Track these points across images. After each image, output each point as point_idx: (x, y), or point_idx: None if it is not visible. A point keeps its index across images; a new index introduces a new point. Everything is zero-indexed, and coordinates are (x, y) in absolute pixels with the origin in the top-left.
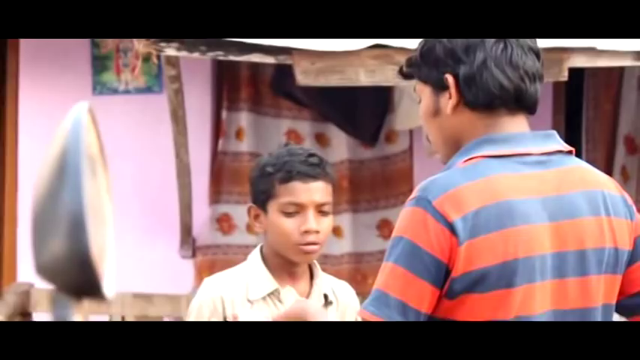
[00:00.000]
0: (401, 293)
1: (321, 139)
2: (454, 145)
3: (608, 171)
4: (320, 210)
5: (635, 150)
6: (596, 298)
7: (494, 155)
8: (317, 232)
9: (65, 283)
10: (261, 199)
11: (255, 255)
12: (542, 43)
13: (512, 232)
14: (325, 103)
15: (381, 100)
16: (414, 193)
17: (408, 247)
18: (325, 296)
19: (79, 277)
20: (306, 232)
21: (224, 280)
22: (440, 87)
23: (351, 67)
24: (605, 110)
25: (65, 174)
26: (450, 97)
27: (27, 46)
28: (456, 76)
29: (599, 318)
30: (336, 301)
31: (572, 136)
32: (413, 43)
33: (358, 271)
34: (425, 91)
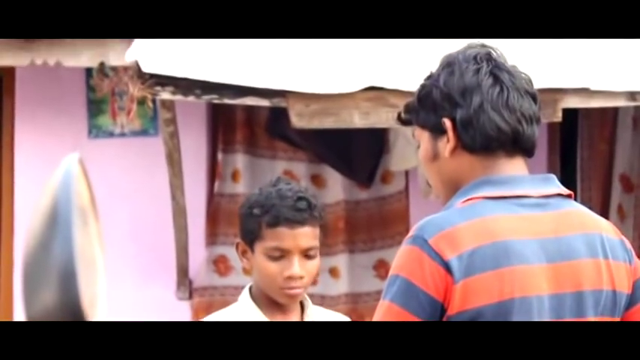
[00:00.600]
0: None
1: (316, 180)
2: (454, 188)
3: (605, 210)
4: (306, 254)
5: (632, 189)
6: None
7: (492, 197)
8: (301, 277)
9: None
10: (248, 238)
11: (244, 294)
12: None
13: (508, 271)
14: (320, 144)
15: (376, 141)
16: (411, 232)
17: (403, 285)
18: None
19: None
20: (290, 277)
21: (214, 318)
22: (438, 131)
23: (346, 110)
24: (600, 150)
25: (56, 225)
26: (448, 141)
27: (23, 90)
28: (453, 120)
29: None
30: None
31: (567, 175)
32: (407, 85)
33: (355, 312)
34: (423, 136)
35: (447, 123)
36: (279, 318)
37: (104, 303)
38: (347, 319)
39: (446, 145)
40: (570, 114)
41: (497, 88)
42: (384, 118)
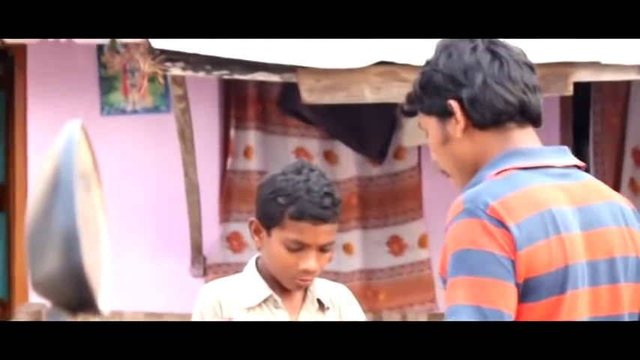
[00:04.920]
0: (492, 302)
1: (329, 156)
2: (470, 169)
3: (617, 183)
4: (322, 249)
5: None
6: (624, 305)
7: (524, 167)
8: (315, 271)
9: (60, 298)
10: (267, 221)
11: (250, 265)
12: (547, 57)
13: (558, 240)
14: (332, 120)
15: (388, 117)
16: (460, 207)
17: (479, 256)
18: (319, 301)
19: (73, 291)
20: (305, 271)
21: (220, 286)
22: (445, 114)
23: (356, 85)
24: (613, 124)
25: (58, 191)
26: (457, 122)
27: (35, 67)
28: (459, 100)
29: None
30: (332, 305)
31: (580, 149)
32: (418, 60)
33: (369, 288)
34: (430, 122)
35: (454, 104)
36: (282, 293)
37: (108, 269)
38: (348, 291)
39: (455, 126)
40: (583, 88)
41: (497, 63)
42: (395, 92)
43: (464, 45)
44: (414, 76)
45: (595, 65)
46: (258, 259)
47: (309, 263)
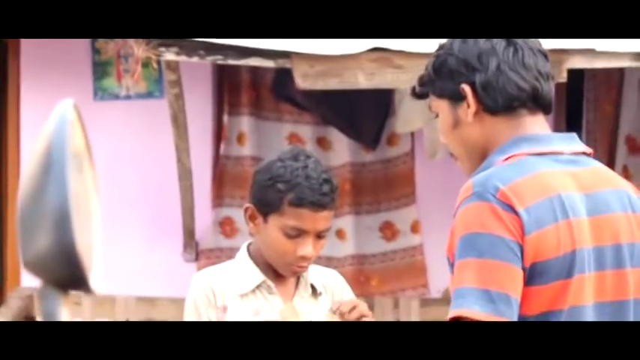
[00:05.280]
0: (500, 285)
1: (322, 142)
2: (480, 154)
3: None
4: (319, 235)
5: (637, 150)
6: (630, 290)
7: (534, 153)
8: (312, 256)
9: (52, 276)
10: (264, 207)
11: (242, 252)
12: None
13: (566, 224)
14: (326, 106)
15: (381, 103)
16: (469, 191)
17: (488, 239)
18: (312, 287)
19: (65, 270)
20: (303, 257)
21: (212, 273)
22: (457, 98)
23: (350, 70)
24: (606, 111)
25: (50, 169)
26: (469, 106)
27: (28, 52)
28: (472, 85)
29: (631, 311)
30: (325, 290)
31: None
32: (412, 46)
33: (361, 273)
34: (442, 106)
35: (467, 88)
36: (274, 275)
37: (100, 249)
38: (340, 276)
39: (467, 110)
40: (576, 75)
41: (512, 49)
42: (389, 79)
43: None
44: (408, 63)
45: (589, 52)
46: (249, 245)
47: (306, 249)
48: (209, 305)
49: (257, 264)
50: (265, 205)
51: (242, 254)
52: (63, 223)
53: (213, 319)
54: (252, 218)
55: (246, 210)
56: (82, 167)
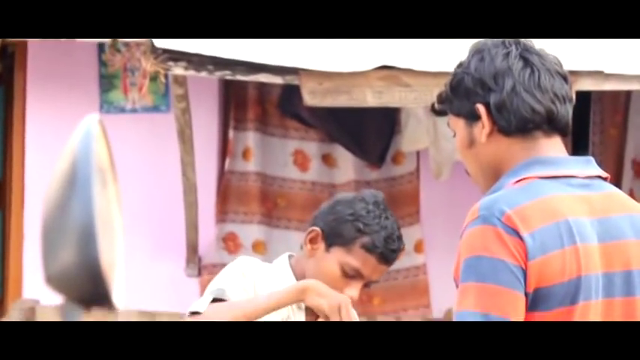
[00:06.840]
0: (501, 310)
1: (327, 159)
2: (493, 174)
3: None
4: (367, 283)
5: None
6: (639, 318)
7: (545, 176)
8: (354, 300)
9: (75, 293)
10: (333, 238)
11: (282, 260)
12: None
13: (573, 250)
14: (332, 123)
15: (388, 121)
16: (475, 214)
17: (490, 263)
18: None
19: (89, 286)
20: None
21: (255, 264)
22: (472, 117)
23: (359, 88)
24: (612, 135)
25: (75, 185)
26: (484, 126)
27: (34, 64)
28: (487, 105)
29: None
30: None
31: None
32: (420, 65)
33: (364, 292)
34: (458, 124)
35: (481, 108)
36: None
37: (122, 264)
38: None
39: (481, 130)
40: (582, 98)
41: (528, 70)
42: (397, 97)
43: (497, 49)
44: (415, 81)
45: (598, 74)
46: (290, 256)
47: (354, 292)
48: (242, 282)
49: (296, 277)
50: (336, 235)
51: (282, 263)
52: (88, 239)
53: (249, 289)
54: (312, 241)
55: (310, 231)
56: (106, 182)
